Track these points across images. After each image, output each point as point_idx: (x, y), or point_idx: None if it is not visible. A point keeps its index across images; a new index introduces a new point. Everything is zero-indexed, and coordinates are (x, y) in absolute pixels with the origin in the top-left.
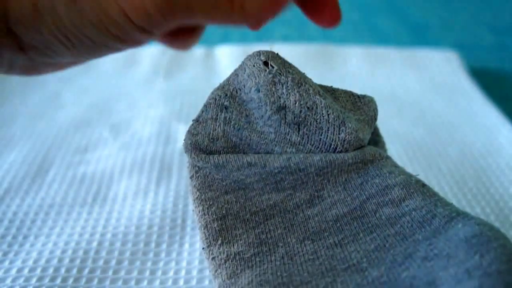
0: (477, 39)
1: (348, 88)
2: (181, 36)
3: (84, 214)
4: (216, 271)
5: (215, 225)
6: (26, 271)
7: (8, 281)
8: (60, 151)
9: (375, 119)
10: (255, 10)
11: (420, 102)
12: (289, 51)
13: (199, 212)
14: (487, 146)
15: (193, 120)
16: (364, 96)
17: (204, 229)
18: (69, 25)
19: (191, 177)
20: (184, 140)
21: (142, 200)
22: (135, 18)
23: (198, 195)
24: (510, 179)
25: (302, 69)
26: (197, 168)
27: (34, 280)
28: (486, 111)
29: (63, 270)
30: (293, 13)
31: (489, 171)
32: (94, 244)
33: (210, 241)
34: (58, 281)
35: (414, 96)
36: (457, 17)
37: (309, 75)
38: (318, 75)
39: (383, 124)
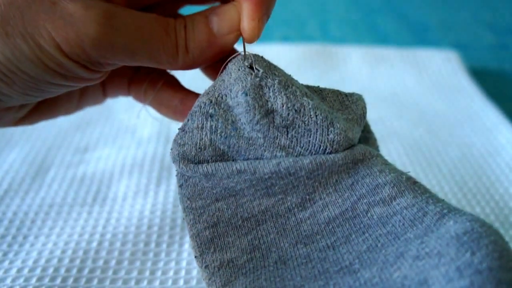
0: (477, 39)
1: (349, 88)
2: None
3: (84, 214)
4: (210, 279)
5: (206, 233)
6: (26, 271)
7: (8, 281)
8: (60, 151)
9: (364, 117)
10: (198, 51)
11: (420, 102)
12: (289, 51)
13: (190, 221)
14: (487, 146)
15: (179, 129)
16: (352, 95)
17: (196, 237)
18: (2, 60)
19: (180, 186)
20: (171, 150)
21: (142, 200)
22: (70, 52)
23: (188, 204)
24: (510, 179)
25: (302, 69)
26: (186, 177)
27: (34, 280)
28: (486, 111)
29: (63, 270)
30: (293, 13)
31: (489, 171)
32: (94, 244)
33: (202, 249)
34: (58, 281)
35: (414, 96)
36: (457, 17)
37: (309, 75)
38: (318, 75)
39: (383, 124)
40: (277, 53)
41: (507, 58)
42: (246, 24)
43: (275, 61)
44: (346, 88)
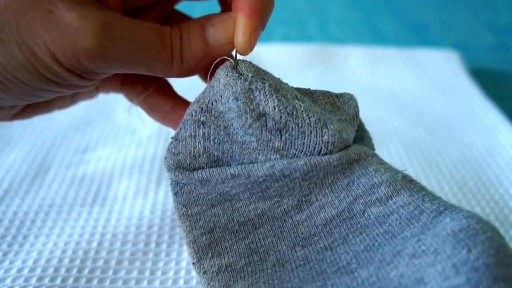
0: (477, 39)
1: (348, 88)
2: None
3: (84, 214)
4: (208, 284)
5: (203, 239)
6: (26, 271)
7: (8, 281)
8: (60, 151)
9: (357, 117)
10: (192, 61)
11: (420, 102)
12: (289, 51)
13: (186, 227)
14: (487, 146)
15: (172, 138)
16: (343, 95)
17: (193, 244)
18: None
19: (175, 194)
20: (166, 159)
21: (142, 200)
22: (65, 62)
23: (184, 211)
24: (510, 179)
25: (302, 69)
26: (181, 185)
27: (34, 280)
28: (486, 111)
29: (63, 270)
30: (293, 13)
31: (489, 171)
32: (94, 244)
33: (200, 255)
34: (58, 281)
35: (414, 96)
36: (457, 17)
37: (309, 75)
38: (318, 75)
39: (383, 124)
40: (277, 53)
41: (507, 58)
42: (239, 38)
43: (275, 61)
44: (346, 88)
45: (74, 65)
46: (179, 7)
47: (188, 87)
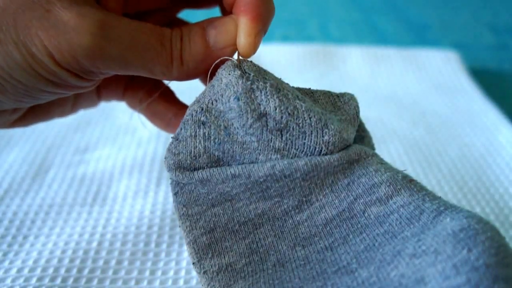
0: (477, 39)
1: (349, 88)
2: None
3: (84, 214)
4: (209, 284)
5: (204, 239)
6: (26, 271)
7: (8, 281)
8: (60, 151)
9: (358, 117)
10: (193, 63)
11: (420, 102)
12: (289, 51)
13: (186, 227)
14: (487, 146)
15: (172, 138)
16: (343, 95)
17: (193, 244)
18: None
19: (175, 194)
20: (166, 159)
21: (142, 200)
22: (62, 61)
23: (185, 211)
24: (510, 179)
25: (302, 69)
26: (181, 185)
27: (34, 280)
28: (486, 111)
29: (63, 270)
30: (293, 13)
31: (489, 171)
32: (94, 244)
33: (200, 255)
34: (58, 281)
35: (414, 96)
36: (457, 17)
37: (309, 75)
38: (318, 75)
39: (383, 124)
40: (277, 53)
41: (507, 58)
42: (243, 40)
43: (275, 61)
44: (346, 88)
45: (71, 64)
46: (180, 15)
47: (188, 88)
